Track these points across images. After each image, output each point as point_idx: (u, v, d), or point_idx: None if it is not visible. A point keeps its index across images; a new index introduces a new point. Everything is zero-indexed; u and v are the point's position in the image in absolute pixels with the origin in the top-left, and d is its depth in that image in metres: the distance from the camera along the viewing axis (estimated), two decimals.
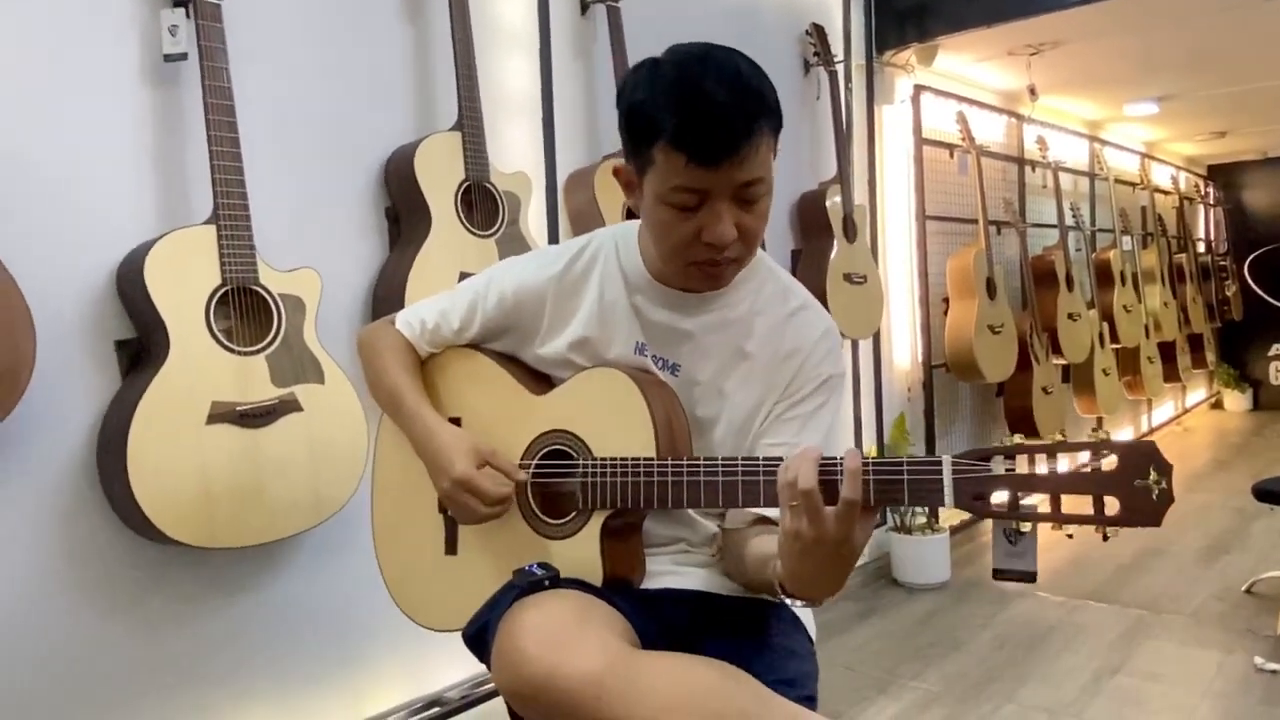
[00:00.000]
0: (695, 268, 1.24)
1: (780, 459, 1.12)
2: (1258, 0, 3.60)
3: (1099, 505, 0.96)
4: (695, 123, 1.12)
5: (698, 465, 1.19)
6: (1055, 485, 0.99)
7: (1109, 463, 0.97)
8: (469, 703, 2.21)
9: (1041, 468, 0.99)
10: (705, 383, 1.32)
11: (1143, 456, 0.95)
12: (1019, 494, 0.99)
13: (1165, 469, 0.95)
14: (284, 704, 2.01)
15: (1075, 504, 0.98)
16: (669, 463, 1.21)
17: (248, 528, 1.76)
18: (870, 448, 3.71)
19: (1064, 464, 0.98)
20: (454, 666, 2.25)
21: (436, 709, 2.19)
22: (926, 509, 3.82)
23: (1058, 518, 0.98)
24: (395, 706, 2.17)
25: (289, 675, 2.01)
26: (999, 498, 1.00)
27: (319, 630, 2.06)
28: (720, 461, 1.18)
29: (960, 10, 3.67)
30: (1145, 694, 2.66)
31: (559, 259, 1.38)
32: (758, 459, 1.17)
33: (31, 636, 1.67)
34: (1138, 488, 0.95)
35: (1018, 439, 1.02)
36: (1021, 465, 1.00)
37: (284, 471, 1.79)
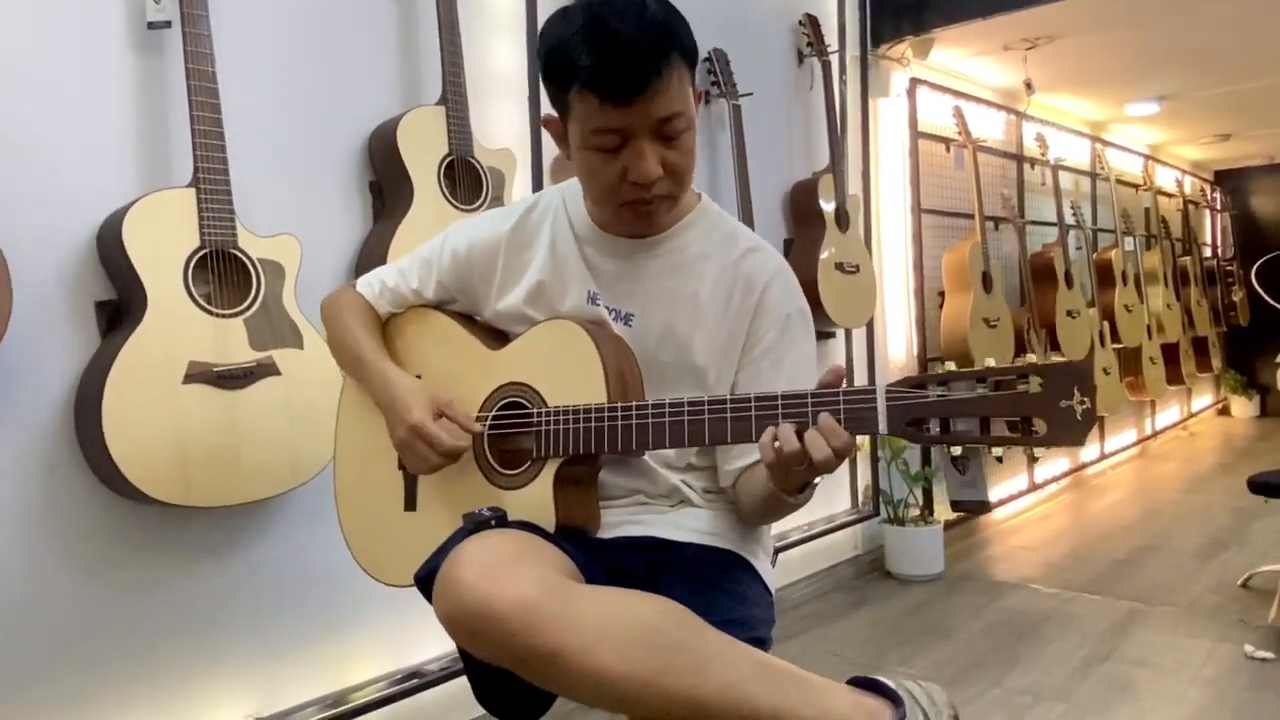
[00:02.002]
0: (627, 209, 1.25)
1: (722, 399, 1.17)
2: None
3: (1027, 426, 0.98)
4: (604, 62, 1.14)
5: (646, 408, 1.21)
6: (985, 409, 1.01)
7: (1035, 385, 0.99)
8: (448, 675, 2.21)
9: (972, 393, 1.00)
10: (659, 329, 1.33)
11: (1068, 378, 0.98)
12: (950, 419, 1.01)
13: (1089, 390, 0.97)
14: (260, 671, 2.01)
15: (1005, 427, 1.00)
16: (618, 407, 1.22)
17: (224, 488, 1.77)
18: (864, 440, 3.70)
19: (993, 388, 1.00)
20: (435, 639, 2.26)
21: (415, 680, 2.19)
22: (921, 502, 3.81)
23: (987, 440, 1.00)
24: (374, 677, 2.18)
25: (266, 642, 2.02)
26: (932, 423, 1.02)
27: (298, 597, 2.07)
28: (667, 403, 1.20)
29: (956, 2, 3.68)
30: (1133, 680, 2.64)
31: (510, 216, 1.41)
32: (702, 398, 1.18)
33: (4, 592, 1.69)
34: (1063, 409, 0.98)
35: (949, 366, 1.04)
36: (953, 391, 1.01)
37: (261, 434, 1.81)
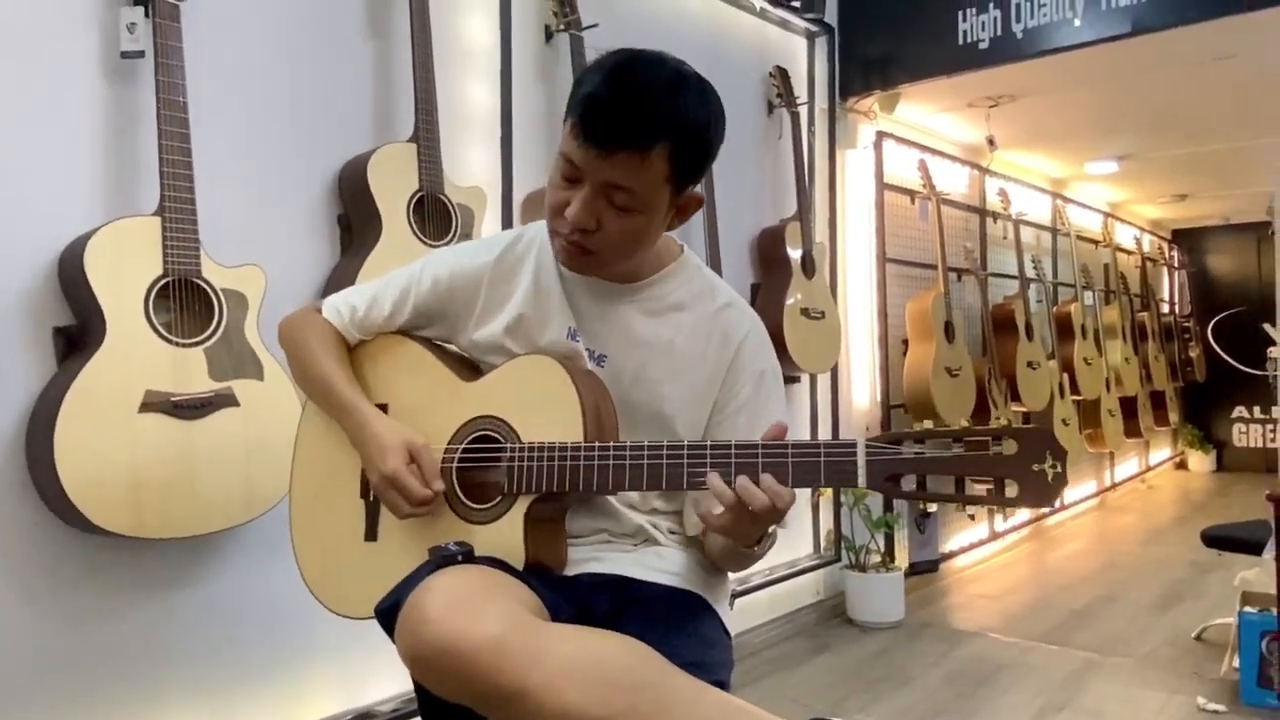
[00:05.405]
0: (557, 238, 1.28)
1: (701, 444, 1.18)
2: (1208, 60, 3.73)
3: (999, 487, 1.01)
4: (597, 100, 1.16)
5: (623, 449, 1.21)
6: (960, 468, 1.04)
7: (1010, 448, 1.01)
8: (401, 716, 2.17)
9: (948, 452, 1.03)
10: (632, 373, 1.34)
11: (1040, 443, 1.02)
12: (927, 477, 1.03)
13: (1060, 455, 1.01)
14: (207, 708, 1.97)
15: (978, 486, 1.02)
16: (595, 446, 1.22)
17: (177, 519, 1.74)
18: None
19: (968, 449, 1.02)
20: (388, 679, 2.22)
21: None
22: (883, 550, 3.82)
23: (961, 499, 1.03)
24: (325, 717, 2.13)
25: (213, 677, 1.98)
26: (908, 480, 1.04)
27: (248, 632, 2.03)
28: (646, 445, 1.20)
29: (922, 60, 3.78)
30: None
31: (495, 246, 1.41)
32: (682, 442, 1.19)
33: None
34: (1035, 472, 1.01)
35: (927, 424, 1.06)
36: (929, 450, 1.03)
37: (217, 465, 1.79)
